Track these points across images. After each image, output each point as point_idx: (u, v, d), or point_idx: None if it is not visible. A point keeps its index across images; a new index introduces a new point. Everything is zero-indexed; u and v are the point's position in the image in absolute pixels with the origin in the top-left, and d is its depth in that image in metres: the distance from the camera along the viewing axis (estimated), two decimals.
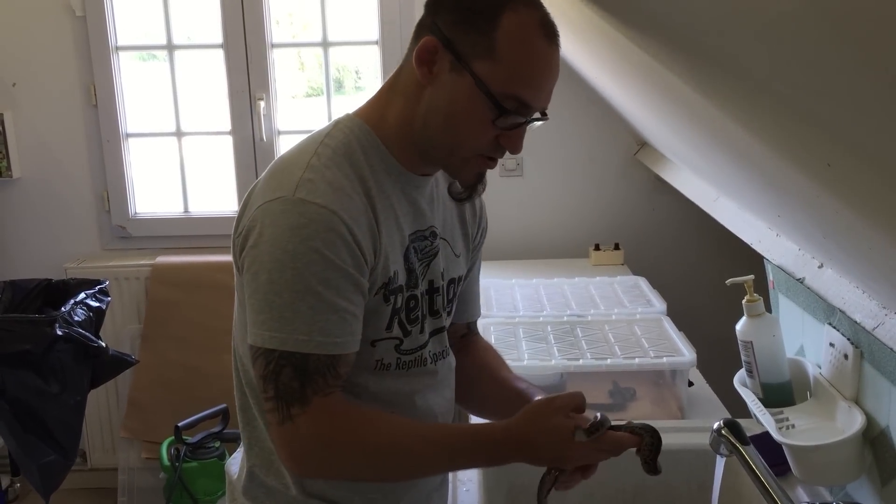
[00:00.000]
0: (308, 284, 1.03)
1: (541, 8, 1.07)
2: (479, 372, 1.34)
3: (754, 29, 0.73)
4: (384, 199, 1.12)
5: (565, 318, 1.98)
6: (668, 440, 1.57)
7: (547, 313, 2.06)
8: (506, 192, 3.01)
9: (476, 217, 1.32)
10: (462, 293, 1.31)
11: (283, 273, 1.03)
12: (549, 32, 1.06)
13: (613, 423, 1.13)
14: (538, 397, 1.20)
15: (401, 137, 1.13)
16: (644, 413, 1.75)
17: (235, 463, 1.31)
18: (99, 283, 2.47)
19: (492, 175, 2.72)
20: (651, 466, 1.15)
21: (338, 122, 1.16)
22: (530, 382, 1.30)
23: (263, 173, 1.13)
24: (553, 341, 1.84)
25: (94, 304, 2.38)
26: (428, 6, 1.10)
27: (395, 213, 1.14)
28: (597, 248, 2.85)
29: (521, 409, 1.12)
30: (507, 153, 1.13)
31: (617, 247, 2.85)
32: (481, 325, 1.92)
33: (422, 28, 1.09)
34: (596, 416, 1.10)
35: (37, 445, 2.31)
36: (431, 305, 1.20)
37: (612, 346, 1.81)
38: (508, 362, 1.71)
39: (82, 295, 2.35)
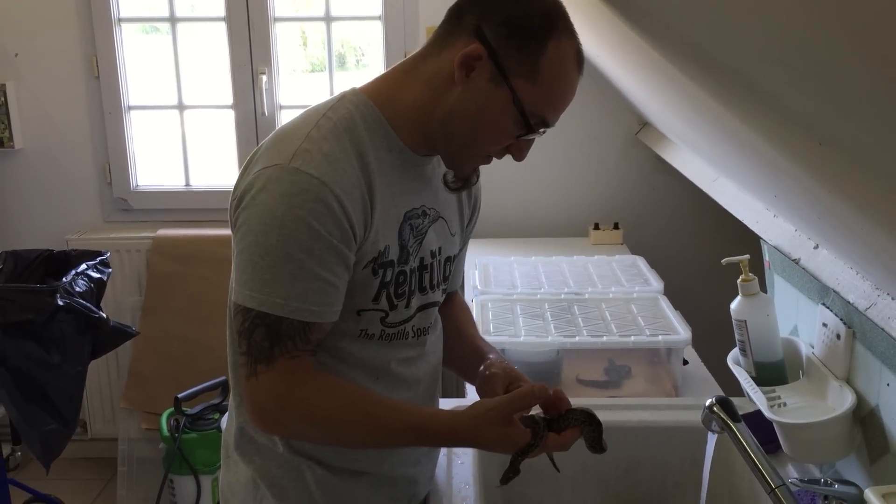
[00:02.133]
0: (291, 251, 1.06)
1: (576, 37, 1.12)
2: (447, 326, 1.40)
3: (745, 24, 0.74)
4: (382, 175, 1.14)
5: (563, 296, 2.00)
6: (662, 417, 1.60)
7: (545, 291, 2.08)
8: (506, 170, 3.00)
9: (471, 198, 1.36)
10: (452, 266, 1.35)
11: (268, 237, 1.06)
12: (580, 62, 1.13)
13: (553, 416, 1.19)
14: (491, 356, 1.31)
15: (412, 120, 1.16)
16: (639, 390, 1.77)
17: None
18: (100, 254, 2.49)
19: None
20: (597, 449, 1.21)
21: (343, 96, 1.17)
22: (488, 342, 1.40)
23: (265, 140, 1.16)
24: (550, 318, 1.86)
25: (95, 275, 2.39)
26: (474, 5, 1.11)
27: (392, 190, 1.16)
28: (596, 227, 2.86)
29: (468, 407, 1.16)
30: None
31: (616, 226, 2.86)
32: (479, 301, 1.94)
33: (462, 25, 1.11)
34: (536, 418, 1.17)
35: (38, 414, 2.33)
36: (421, 282, 1.23)
37: (609, 323, 1.83)
38: (505, 339, 1.75)
39: (83, 266, 2.36)
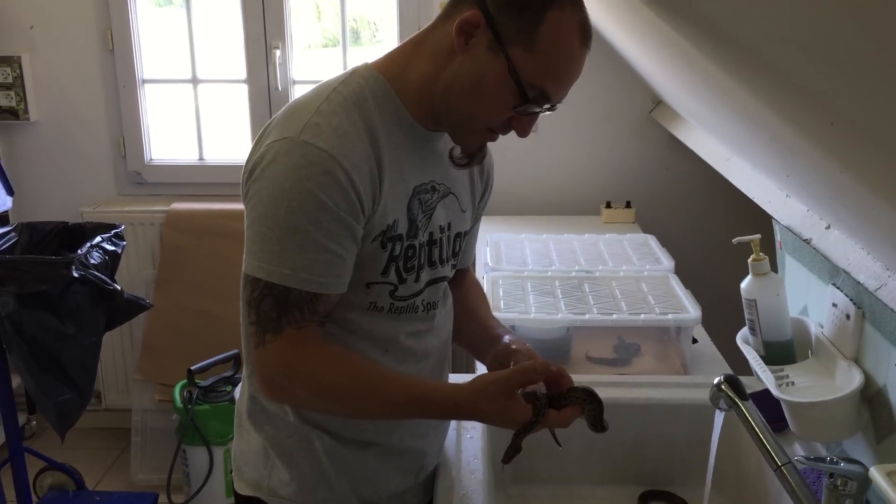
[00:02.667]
0: (298, 223, 1.07)
1: (583, 10, 1.09)
2: (458, 303, 1.40)
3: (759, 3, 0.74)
4: (392, 149, 1.15)
5: (573, 274, 2.00)
6: (670, 395, 1.61)
7: (556, 268, 2.08)
8: (519, 147, 3.00)
9: (483, 176, 1.36)
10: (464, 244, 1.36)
11: (277, 209, 1.08)
12: (585, 35, 1.09)
13: (554, 393, 1.18)
14: (507, 338, 1.30)
15: (419, 93, 1.16)
16: (648, 368, 1.78)
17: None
18: (114, 227, 2.51)
19: None
20: (598, 427, 1.21)
21: (355, 71, 1.18)
22: (499, 321, 1.40)
23: (277, 113, 1.17)
24: (560, 296, 1.87)
25: (109, 247, 2.41)
26: None
27: (401, 164, 1.17)
28: (608, 205, 2.86)
29: (470, 381, 1.16)
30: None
31: (628, 205, 2.86)
32: (490, 278, 1.95)
33: None
34: (538, 394, 1.16)
35: (53, 384, 2.36)
36: (430, 256, 1.24)
37: (619, 301, 1.83)
38: (516, 315, 1.75)
39: (98, 238, 2.38)
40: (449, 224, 1.27)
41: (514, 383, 1.15)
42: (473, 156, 1.20)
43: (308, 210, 1.07)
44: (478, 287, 1.50)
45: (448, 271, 1.30)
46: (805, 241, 1.46)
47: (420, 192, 1.21)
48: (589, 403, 1.19)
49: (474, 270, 1.56)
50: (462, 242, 1.32)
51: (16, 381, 2.69)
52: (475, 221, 1.39)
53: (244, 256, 1.13)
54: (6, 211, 2.73)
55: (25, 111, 3.04)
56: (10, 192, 2.58)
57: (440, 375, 1.36)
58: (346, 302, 1.17)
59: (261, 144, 1.13)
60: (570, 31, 1.07)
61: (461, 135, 1.17)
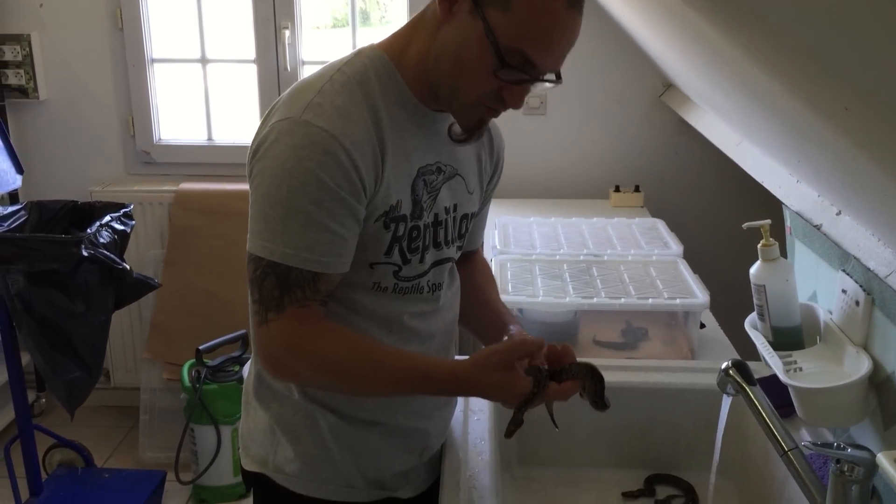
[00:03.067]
0: (300, 203, 1.08)
1: None
2: (467, 287, 1.39)
3: None
4: (395, 129, 1.15)
5: (582, 258, 2.00)
6: (677, 379, 1.61)
7: (564, 252, 2.08)
8: (528, 130, 3.01)
9: (493, 157, 1.35)
10: (473, 226, 1.36)
11: (279, 189, 1.08)
12: None
13: (556, 368, 1.18)
14: (512, 327, 1.29)
15: (418, 72, 1.15)
16: (655, 352, 1.78)
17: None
18: (124, 206, 2.51)
19: (514, 113, 2.71)
20: (599, 405, 1.20)
21: (360, 52, 1.18)
22: (507, 308, 1.39)
23: (283, 94, 1.17)
24: (569, 279, 1.86)
25: (118, 227, 2.42)
26: None
27: (405, 145, 1.16)
28: (617, 189, 2.85)
29: (473, 355, 1.17)
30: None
31: (637, 189, 2.85)
32: (498, 261, 1.95)
33: None
34: (539, 367, 1.15)
35: (62, 362, 2.38)
36: (435, 237, 1.24)
37: (627, 286, 1.83)
38: (524, 298, 1.75)
39: (107, 218, 2.39)
40: (455, 205, 1.27)
41: (515, 355, 1.15)
42: (472, 132, 1.17)
43: (309, 190, 1.07)
44: (487, 270, 1.49)
45: (454, 252, 1.30)
46: (815, 226, 1.45)
47: (425, 173, 1.20)
48: (590, 379, 1.19)
49: (483, 252, 1.55)
50: (469, 224, 1.32)
51: (25, 358, 2.71)
52: (484, 203, 1.38)
53: (248, 235, 1.14)
54: (16, 189, 2.74)
55: (35, 90, 3.04)
56: (19, 170, 2.59)
57: (445, 356, 1.36)
58: (350, 282, 1.18)
59: (265, 125, 1.13)
60: None
61: (457, 109, 1.15)
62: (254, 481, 1.32)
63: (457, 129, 1.19)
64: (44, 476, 2.74)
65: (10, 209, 2.45)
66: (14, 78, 3.02)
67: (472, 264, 1.45)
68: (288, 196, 1.08)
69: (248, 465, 1.32)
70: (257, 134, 1.15)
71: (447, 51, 1.10)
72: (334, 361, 1.16)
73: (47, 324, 2.32)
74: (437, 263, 1.26)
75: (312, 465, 1.27)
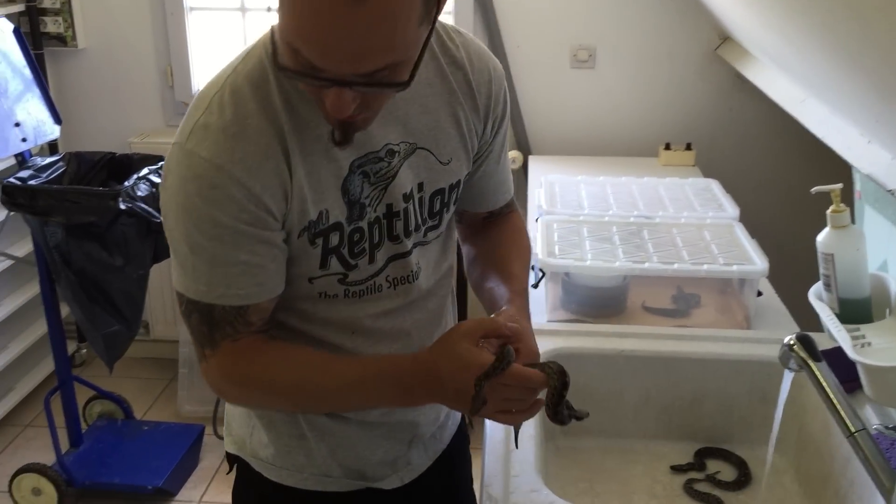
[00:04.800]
0: (200, 241, 0.98)
1: None
2: (486, 257, 1.26)
3: None
4: (305, 131, 1.00)
5: (632, 220, 1.92)
6: (731, 350, 1.54)
7: (613, 213, 1.99)
8: (575, 85, 2.90)
9: (480, 109, 1.13)
10: (476, 185, 1.21)
11: (178, 225, 0.99)
12: None
13: (530, 363, 1.03)
14: (506, 307, 1.10)
15: None
16: (708, 320, 1.70)
17: None
18: (162, 159, 2.47)
19: (561, 67, 2.64)
20: (553, 412, 1.04)
21: (260, 39, 1.02)
22: (523, 289, 1.19)
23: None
24: (618, 242, 1.78)
25: (156, 180, 2.38)
26: None
27: (322, 145, 1.00)
28: (667, 147, 2.74)
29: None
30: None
31: (689, 147, 2.74)
32: (544, 221, 1.88)
33: None
34: (502, 350, 1.00)
35: (101, 316, 2.37)
36: (390, 231, 1.09)
37: (680, 250, 1.74)
38: (571, 262, 1.68)
39: (145, 170, 2.35)
40: (421, 184, 1.10)
41: (479, 331, 1.01)
42: (335, 135, 0.98)
43: (205, 228, 0.97)
44: (516, 238, 1.28)
45: (422, 237, 1.14)
46: (889, 191, 1.35)
47: (363, 165, 1.04)
48: (555, 381, 1.03)
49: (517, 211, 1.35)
50: (447, 197, 1.14)
51: (65, 310, 2.71)
52: (487, 156, 1.19)
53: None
54: (54, 140, 2.71)
55: (73, 38, 3.00)
56: (57, 120, 2.55)
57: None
58: (294, 295, 1.08)
59: (176, 136, 1.01)
60: None
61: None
62: (235, 463, 1.27)
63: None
64: (84, 427, 2.77)
65: (49, 160, 2.42)
66: (52, 26, 2.98)
67: (498, 230, 1.28)
68: (187, 233, 0.98)
69: (229, 446, 1.26)
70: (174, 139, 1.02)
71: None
72: (284, 385, 1.07)
73: (85, 277, 2.31)
74: (396, 258, 1.12)
75: (286, 452, 1.20)
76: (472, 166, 1.18)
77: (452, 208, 1.17)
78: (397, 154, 1.07)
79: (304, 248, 1.04)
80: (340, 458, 1.20)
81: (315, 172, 1.01)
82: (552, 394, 1.03)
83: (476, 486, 1.40)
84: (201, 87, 1.03)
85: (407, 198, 1.09)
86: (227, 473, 1.30)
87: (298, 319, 1.11)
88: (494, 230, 1.29)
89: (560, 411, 1.04)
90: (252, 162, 0.96)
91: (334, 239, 1.05)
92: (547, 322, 1.67)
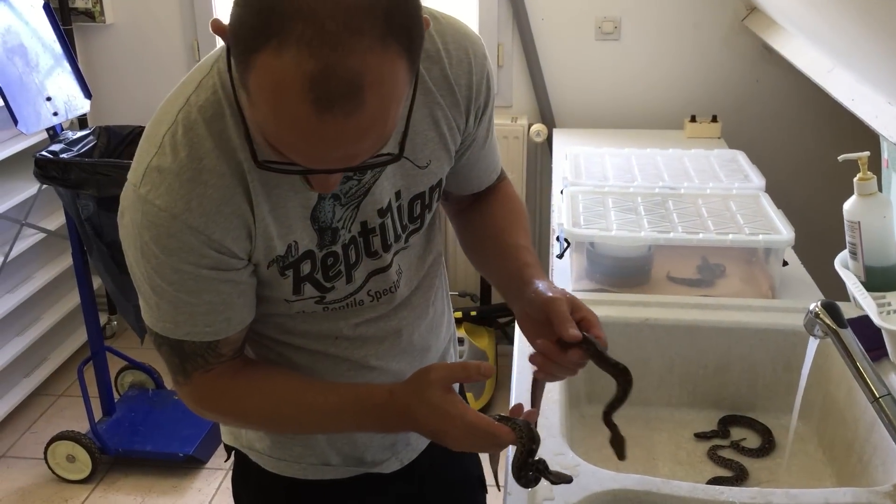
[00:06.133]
0: (159, 284, 0.95)
1: (323, 57, 0.73)
2: (481, 230, 1.22)
3: None
4: None
5: (657, 190, 1.92)
6: (756, 319, 1.55)
7: (638, 184, 2.00)
8: (600, 56, 2.89)
9: (461, 106, 1.06)
10: (461, 171, 1.15)
11: (137, 266, 0.96)
12: (320, 97, 0.74)
13: (498, 414, 1.01)
14: (539, 283, 1.06)
15: None
16: (733, 290, 1.70)
17: None
18: None
19: (586, 39, 2.63)
20: (516, 474, 1.00)
21: (216, 63, 0.95)
22: (535, 256, 1.14)
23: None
24: (643, 213, 1.79)
25: None
26: None
27: (286, 176, 0.92)
28: (693, 119, 2.73)
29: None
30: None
31: (714, 119, 2.72)
32: (569, 192, 1.88)
33: None
34: (620, 385, 1.03)
35: (132, 287, 2.35)
36: (367, 248, 1.05)
37: (705, 220, 1.75)
38: (596, 232, 1.68)
39: None
40: (398, 192, 1.05)
41: (446, 379, 0.99)
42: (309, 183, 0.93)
43: (164, 273, 0.93)
44: (512, 207, 1.23)
45: (403, 244, 1.10)
46: None
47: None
48: (521, 442, 0.99)
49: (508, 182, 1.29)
50: (427, 199, 1.09)
51: (97, 282, 2.76)
52: (470, 145, 1.12)
53: None
54: (85, 114, 2.75)
55: (101, 13, 3.03)
56: (87, 95, 2.59)
57: (425, 350, 1.20)
58: (271, 311, 1.06)
59: (130, 172, 0.96)
60: (285, 90, 0.74)
61: None
62: (232, 454, 1.27)
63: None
64: (116, 396, 2.83)
65: (80, 134, 2.46)
66: (81, 1, 3.01)
67: (487, 203, 1.23)
68: (147, 275, 0.95)
69: (226, 438, 1.26)
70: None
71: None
72: (259, 417, 1.08)
73: (117, 249, 2.33)
74: (377, 272, 1.08)
75: (282, 443, 1.19)
76: (456, 157, 1.12)
77: (435, 206, 1.13)
78: (368, 170, 0.99)
79: (274, 277, 1.01)
80: (339, 446, 1.20)
81: (281, 206, 0.96)
82: (518, 454, 1.00)
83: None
84: (153, 116, 0.97)
85: (383, 212, 1.04)
86: (226, 461, 1.30)
87: (278, 331, 1.10)
88: (485, 203, 1.24)
89: (524, 475, 1.00)
90: (210, 207, 0.91)
91: (306, 267, 1.02)
92: (572, 292, 1.68)
